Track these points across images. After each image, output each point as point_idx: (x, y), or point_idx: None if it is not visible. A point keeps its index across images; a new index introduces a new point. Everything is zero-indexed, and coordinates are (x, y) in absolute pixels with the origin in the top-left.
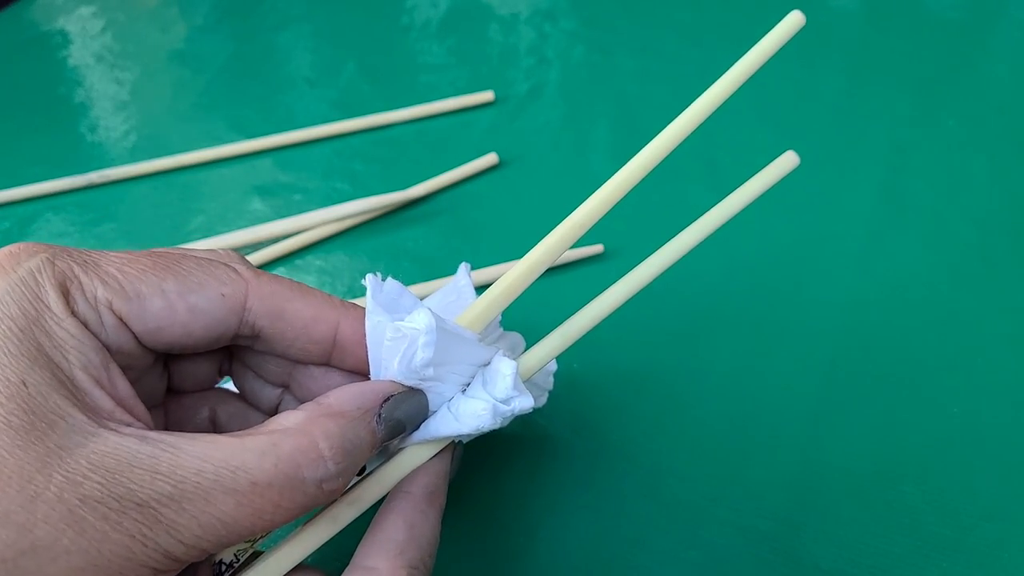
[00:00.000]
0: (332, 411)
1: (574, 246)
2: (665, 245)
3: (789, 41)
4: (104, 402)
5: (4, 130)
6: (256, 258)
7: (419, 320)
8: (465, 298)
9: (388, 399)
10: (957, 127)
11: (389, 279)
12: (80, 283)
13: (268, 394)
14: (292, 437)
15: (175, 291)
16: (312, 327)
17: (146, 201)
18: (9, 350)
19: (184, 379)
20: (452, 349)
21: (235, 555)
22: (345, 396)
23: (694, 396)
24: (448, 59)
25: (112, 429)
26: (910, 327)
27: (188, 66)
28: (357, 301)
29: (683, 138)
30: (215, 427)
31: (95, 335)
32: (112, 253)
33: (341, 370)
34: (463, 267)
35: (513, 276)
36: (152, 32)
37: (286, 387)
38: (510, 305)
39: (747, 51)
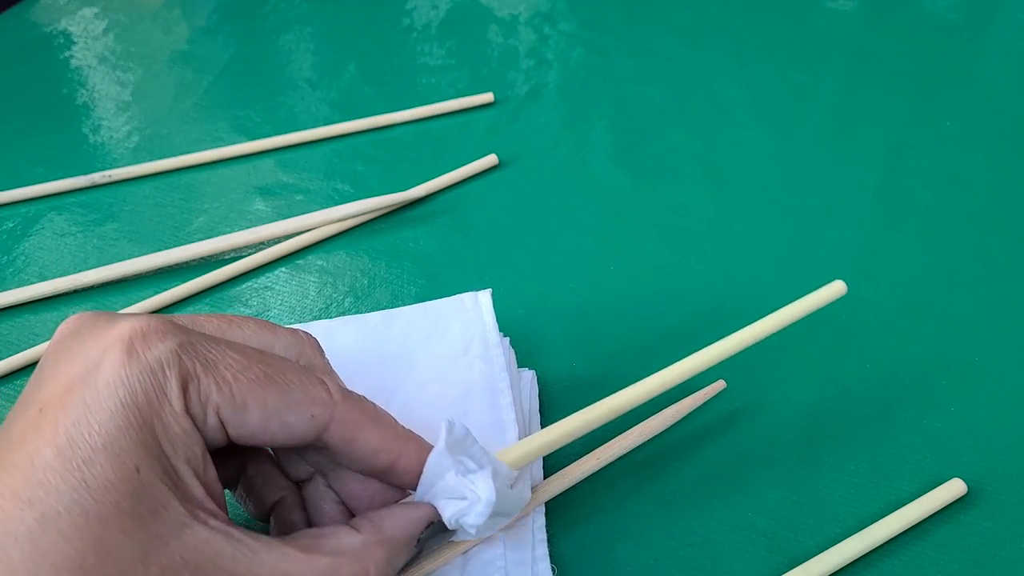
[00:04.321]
0: (385, 538)
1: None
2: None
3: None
4: (197, 491)
5: (7, 130)
6: (258, 258)
7: (482, 489)
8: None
9: (430, 525)
10: (955, 128)
11: (458, 423)
12: (199, 383)
13: (303, 469)
14: (350, 564)
15: (274, 407)
16: (376, 456)
17: (149, 201)
18: (130, 436)
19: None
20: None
21: None
22: (399, 524)
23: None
24: (448, 60)
25: (202, 521)
26: (907, 326)
27: (190, 67)
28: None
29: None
30: (244, 480)
31: (199, 431)
32: (231, 352)
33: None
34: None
35: (541, 440)
36: (154, 33)
37: (323, 475)
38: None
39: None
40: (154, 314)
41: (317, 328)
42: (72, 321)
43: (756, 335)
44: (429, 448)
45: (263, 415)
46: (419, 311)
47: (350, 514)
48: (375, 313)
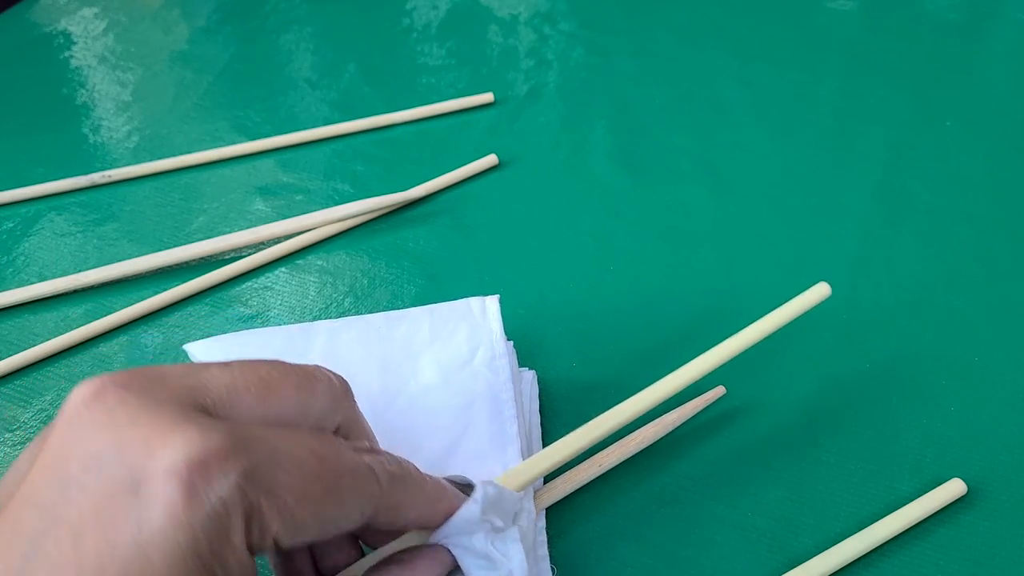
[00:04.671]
0: None
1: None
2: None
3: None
4: None
5: (7, 130)
6: (258, 258)
7: (515, 560)
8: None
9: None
10: (954, 128)
11: (491, 487)
12: (263, 517)
13: None
14: None
15: (331, 519)
16: (411, 523)
17: (148, 201)
18: None
19: None
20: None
21: None
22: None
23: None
24: (448, 61)
25: None
26: (907, 326)
27: (190, 67)
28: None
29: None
30: None
31: (254, 555)
32: (291, 469)
33: None
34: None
35: (546, 463)
36: (154, 33)
37: None
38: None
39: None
40: (207, 424)
41: (321, 327)
42: (97, 403)
43: (743, 343)
44: (456, 499)
45: (320, 530)
46: (424, 313)
47: (356, 545)
48: (380, 314)
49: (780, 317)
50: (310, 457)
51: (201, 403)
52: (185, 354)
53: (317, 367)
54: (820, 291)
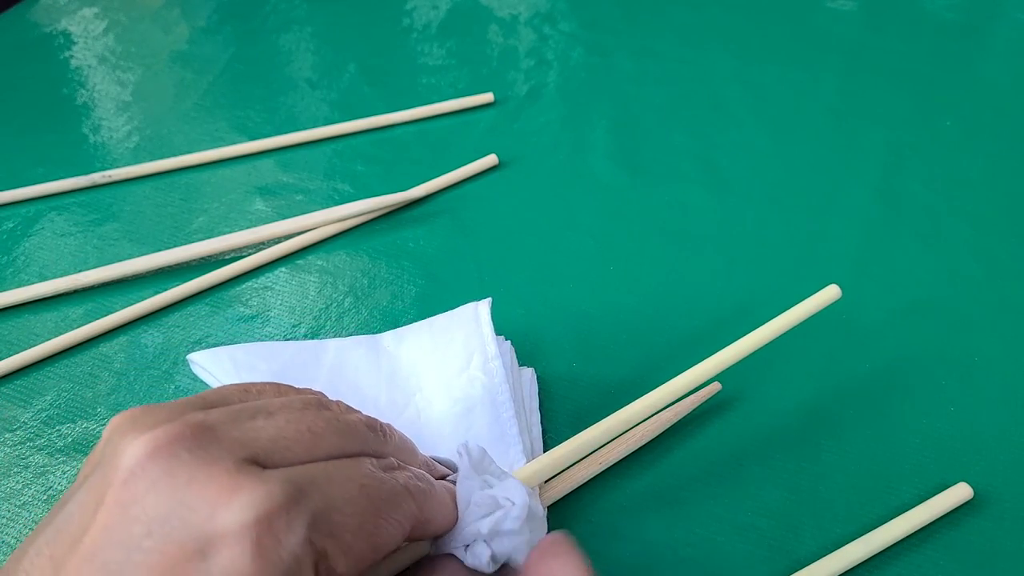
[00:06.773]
0: None
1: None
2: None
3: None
4: None
5: (7, 131)
6: (258, 258)
7: (515, 494)
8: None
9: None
10: (954, 127)
11: (472, 444)
12: (327, 560)
13: None
14: None
15: (383, 545)
16: (432, 534)
17: (149, 201)
18: None
19: None
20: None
21: None
22: None
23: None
24: (448, 61)
25: None
26: (906, 326)
27: (190, 67)
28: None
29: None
30: None
31: None
32: (348, 508)
33: None
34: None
35: (550, 459)
36: (155, 33)
37: None
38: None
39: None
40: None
41: (331, 345)
42: (153, 461)
43: (753, 344)
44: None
45: (373, 557)
46: (425, 327)
47: None
48: (387, 333)
49: (789, 319)
50: (358, 491)
51: (253, 456)
52: (186, 359)
53: (349, 414)
54: (830, 293)
